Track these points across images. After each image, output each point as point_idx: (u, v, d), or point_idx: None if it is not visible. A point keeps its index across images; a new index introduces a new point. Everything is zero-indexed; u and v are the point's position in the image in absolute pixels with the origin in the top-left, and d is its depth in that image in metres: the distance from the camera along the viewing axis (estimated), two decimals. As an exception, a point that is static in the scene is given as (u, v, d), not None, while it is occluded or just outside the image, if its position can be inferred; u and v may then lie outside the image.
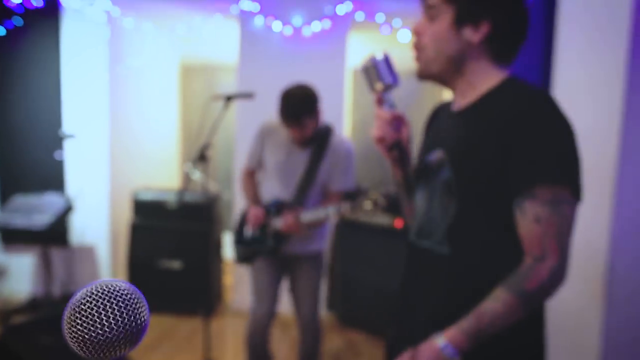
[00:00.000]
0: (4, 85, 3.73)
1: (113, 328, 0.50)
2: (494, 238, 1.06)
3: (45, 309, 3.23)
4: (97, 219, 3.81)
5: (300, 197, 2.28)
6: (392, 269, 3.24)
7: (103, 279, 0.54)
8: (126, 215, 3.77)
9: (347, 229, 3.52)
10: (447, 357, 1.00)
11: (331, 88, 3.69)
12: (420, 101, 4.76)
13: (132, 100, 4.12)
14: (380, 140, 1.10)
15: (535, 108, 1.00)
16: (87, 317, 0.50)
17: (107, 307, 0.51)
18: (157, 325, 3.50)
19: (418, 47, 1.10)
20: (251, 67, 3.65)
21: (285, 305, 2.92)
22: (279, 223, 2.23)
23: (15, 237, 3.79)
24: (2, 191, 3.86)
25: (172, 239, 3.56)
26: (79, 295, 0.51)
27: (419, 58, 1.10)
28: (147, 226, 3.66)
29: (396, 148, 1.10)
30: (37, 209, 3.45)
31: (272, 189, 2.34)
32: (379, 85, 1.09)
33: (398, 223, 3.24)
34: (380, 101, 1.10)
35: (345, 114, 3.94)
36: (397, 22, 3.65)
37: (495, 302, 0.99)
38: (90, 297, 0.51)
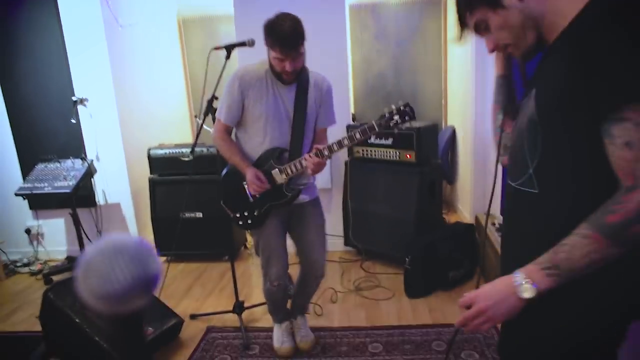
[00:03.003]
0: (8, 55, 3.77)
1: (122, 281, 0.52)
2: (584, 172, 0.99)
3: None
4: (117, 179, 3.96)
5: (297, 140, 2.22)
6: (404, 201, 3.34)
7: (111, 235, 0.57)
8: (145, 172, 3.90)
9: (358, 165, 3.59)
10: (524, 289, 0.96)
11: (332, 27, 3.63)
12: (424, 30, 4.65)
13: (133, 59, 4.13)
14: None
15: (615, 20, 0.90)
16: (97, 272, 0.53)
17: (115, 261, 0.52)
18: (187, 272, 3.71)
19: (506, 48, 1.11)
20: (248, 14, 3.60)
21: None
22: (295, 167, 2.16)
23: (44, 203, 3.98)
24: (20, 160, 4.00)
25: (190, 191, 3.70)
26: (88, 253, 0.55)
27: (514, 52, 1.12)
28: (166, 181, 3.80)
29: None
30: (59, 175, 3.59)
31: (261, 140, 2.22)
32: None
33: (408, 156, 3.30)
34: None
35: (348, 53, 3.89)
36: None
37: (574, 236, 0.94)
38: (98, 253, 0.54)
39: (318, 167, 2.10)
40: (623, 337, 1.09)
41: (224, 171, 2.42)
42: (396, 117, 1.94)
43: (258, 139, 2.23)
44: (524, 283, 0.97)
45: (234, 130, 2.33)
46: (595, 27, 0.92)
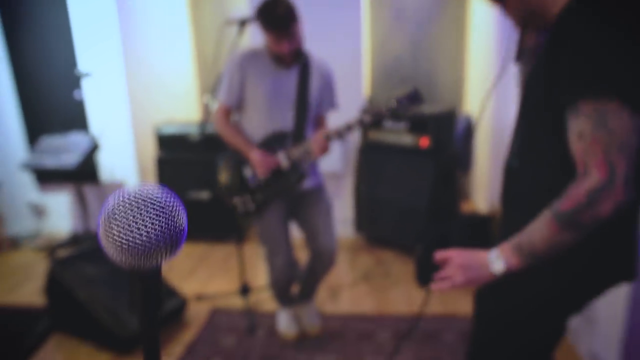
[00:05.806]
0: (14, 27, 3.67)
1: (150, 233, 0.48)
2: (557, 156, 1.03)
3: (86, 243, 3.39)
4: (123, 155, 3.87)
5: (300, 123, 2.16)
6: (417, 188, 3.24)
7: (135, 186, 0.51)
8: (151, 150, 3.81)
9: (371, 150, 3.49)
10: (495, 264, 1.02)
11: (348, 5, 3.50)
12: (446, 11, 4.49)
13: (142, 33, 4.01)
14: None
15: (577, 14, 0.95)
16: (122, 223, 0.48)
17: (143, 212, 0.48)
18: (191, 252, 3.65)
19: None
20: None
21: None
22: (299, 150, 2.12)
23: (48, 177, 3.92)
24: (25, 131, 3.93)
25: (197, 171, 3.61)
26: (112, 202, 0.49)
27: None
28: (172, 160, 3.71)
29: None
30: (64, 149, 3.51)
31: (263, 123, 2.18)
32: None
33: (423, 142, 3.19)
34: None
35: (363, 33, 3.76)
36: None
37: (536, 220, 0.99)
38: (123, 202, 0.49)
39: (324, 150, 2.08)
40: (562, 332, 1.17)
41: (223, 157, 2.35)
42: (404, 101, 1.95)
43: (259, 121, 2.18)
44: (496, 259, 1.03)
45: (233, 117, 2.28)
46: (568, 17, 0.96)
